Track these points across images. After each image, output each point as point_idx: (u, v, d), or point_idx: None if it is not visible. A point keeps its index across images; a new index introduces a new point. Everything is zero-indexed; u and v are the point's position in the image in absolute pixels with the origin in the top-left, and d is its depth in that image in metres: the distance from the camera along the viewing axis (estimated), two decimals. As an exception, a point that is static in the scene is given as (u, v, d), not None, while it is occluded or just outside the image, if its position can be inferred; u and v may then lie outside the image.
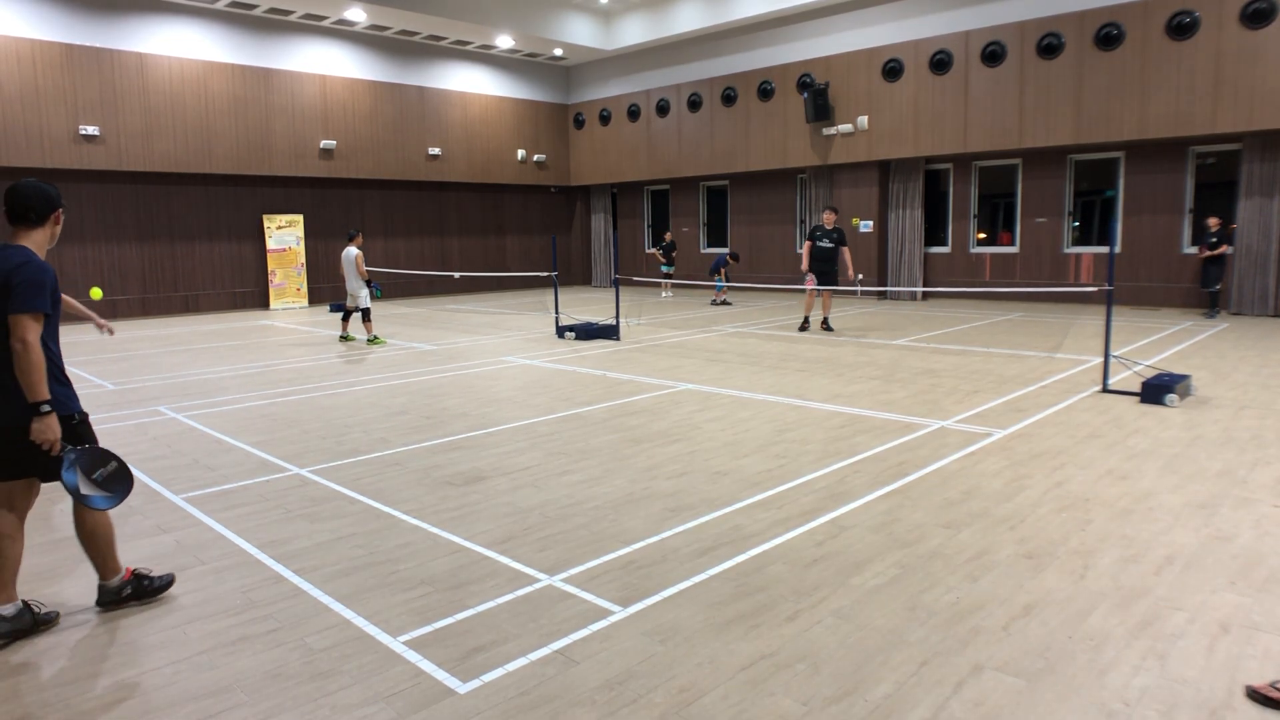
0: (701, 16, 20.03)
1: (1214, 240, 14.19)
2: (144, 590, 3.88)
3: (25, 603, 3.59)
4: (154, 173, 17.57)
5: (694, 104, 21.58)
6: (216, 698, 3.05)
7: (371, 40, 20.41)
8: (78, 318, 4.57)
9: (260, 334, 14.43)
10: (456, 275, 21.29)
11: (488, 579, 4.02)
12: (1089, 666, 3.12)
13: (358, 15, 18.62)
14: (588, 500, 5.17)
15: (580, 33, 21.51)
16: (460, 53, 22.10)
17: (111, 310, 17.33)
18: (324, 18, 18.92)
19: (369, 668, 3.23)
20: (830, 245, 13.05)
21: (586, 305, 18.59)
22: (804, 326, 13.29)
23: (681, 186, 23.46)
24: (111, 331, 5.01)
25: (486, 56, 22.74)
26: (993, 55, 16.40)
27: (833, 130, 18.87)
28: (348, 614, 3.69)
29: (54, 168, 16.11)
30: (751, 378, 9.26)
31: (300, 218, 19.65)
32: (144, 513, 5.09)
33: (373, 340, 12.74)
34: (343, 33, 19.87)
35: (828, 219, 13.15)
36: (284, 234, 19.47)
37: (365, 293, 12.71)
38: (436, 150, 21.75)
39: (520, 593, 3.86)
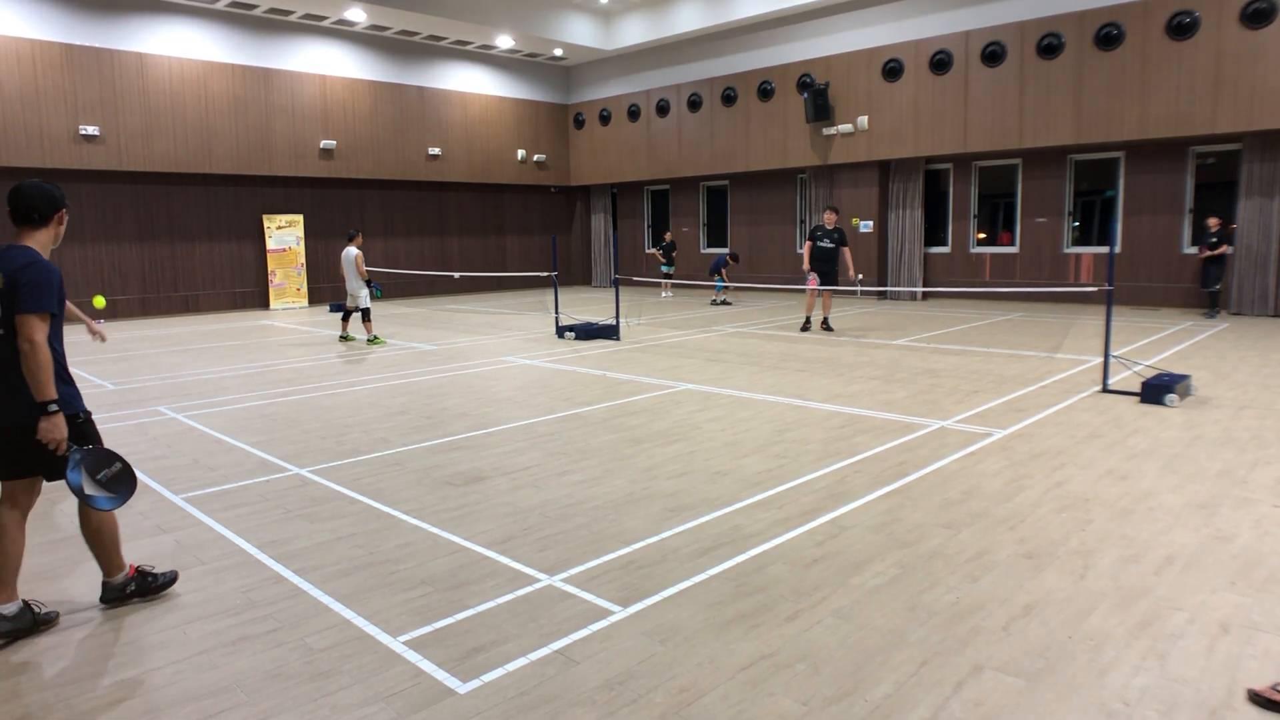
0: (701, 16, 20.03)
1: (1214, 240, 14.19)
2: (148, 587, 3.90)
3: (26, 602, 3.60)
4: (154, 173, 17.57)
5: (694, 104, 21.58)
6: (216, 698, 3.05)
7: (371, 40, 20.41)
8: (68, 319, 4.57)
9: (260, 334, 14.43)
10: (456, 275, 21.29)
11: (488, 579, 4.02)
12: (1089, 666, 3.12)
13: (358, 15, 18.62)
14: (588, 500, 5.17)
15: (580, 33, 21.51)
16: (460, 53, 22.10)
17: (111, 310, 17.33)
18: (324, 18, 18.92)
19: (369, 668, 3.23)
20: (831, 245, 13.04)
21: (586, 305, 18.59)
22: (806, 327, 13.28)
23: (681, 186, 23.46)
24: (104, 338, 5.00)
25: (486, 56, 22.74)
26: (993, 55, 16.40)
27: (833, 130, 18.87)
28: (348, 614, 3.69)
29: (54, 168, 16.11)
30: (751, 378, 9.26)
31: (300, 218, 19.65)
32: (144, 513, 5.09)
33: (373, 340, 12.74)
34: (343, 33, 19.87)
35: (828, 219, 13.14)
36: (284, 234, 19.48)
37: (365, 293, 12.71)
38: (436, 150, 21.75)
39: (520, 593, 3.86)
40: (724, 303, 18.68)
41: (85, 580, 4.13)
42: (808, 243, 13.17)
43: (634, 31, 21.63)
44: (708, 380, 9.14)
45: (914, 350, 11.11)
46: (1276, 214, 14.24)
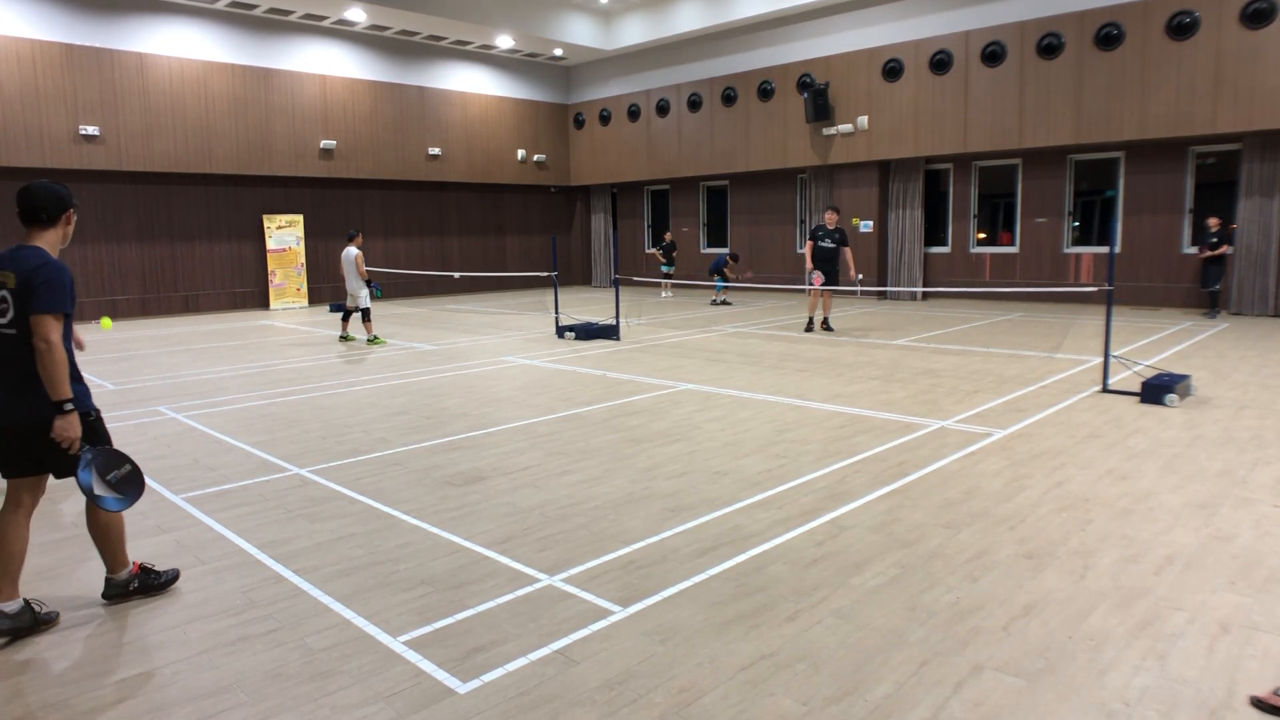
0: (701, 16, 20.03)
1: (1214, 240, 14.19)
2: (150, 585, 3.92)
3: (27, 601, 3.60)
4: (154, 173, 17.57)
5: (694, 104, 21.58)
6: (216, 698, 3.05)
7: (371, 40, 20.41)
8: None
9: (260, 334, 14.43)
10: (456, 275, 21.29)
11: (488, 579, 4.02)
12: (1089, 666, 3.12)
13: (358, 15, 18.62)
14: (588, 500, 5.17)
15: (580, 33, 21.51)
16: (460, 53, 22.10)
17: (111, 310, 17.33)
18: (324, 18, 18.92)
19: (369, 668, 3.23)
20: (832, 245, 13.04)
21: (586, 305, 18.59)
22: (810, 327, 13.27)
23: (681, 186, 23.46)
24: (81, 346, 4.99)
25: (486, 56, 22.74)
26: (993, 55, 16.40)
27: (833, 130, 18.87)
28: (348, 614, 3.69)
29: (54, 168, 16.10)
30: (751, 378, 9.26)
31: (300, 218, 19.65)
32: (144, 513, 5.09)
33: (373, 340, 12.74)
34: (343, 33, 19.87)
35: (829, 219, 13.14)
36: (284, 234, 19.47)
37: (365, 293, 12.71)
38: (436, 150, 21.75)
39: (520, 593, 3.86)
40: (724, 303, 18.69)
41: (86, 580, 4.13)
42: (809, 242, 13.17)
43: (634, 31, 21.63)
44: (708, 380, 9.14)
45: (914, 350, 11.11)
46: (1276, 214, 14.24)
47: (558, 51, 22.56)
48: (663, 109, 22.34)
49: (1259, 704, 2.85)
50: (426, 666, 3.22)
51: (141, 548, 4.51)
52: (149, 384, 9.70)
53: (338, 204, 20.61)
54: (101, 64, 16.50)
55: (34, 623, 3.57)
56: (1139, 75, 14.76)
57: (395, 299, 21.56)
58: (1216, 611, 3.54)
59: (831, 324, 13.79)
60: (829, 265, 13.07)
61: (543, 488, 5.45)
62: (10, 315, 3.48)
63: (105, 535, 3.79)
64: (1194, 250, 15.34)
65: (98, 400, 8.63)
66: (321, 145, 19.61)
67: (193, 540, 4.65)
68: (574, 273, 26.26)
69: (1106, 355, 8.15)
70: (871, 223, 18.95)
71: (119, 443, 6.71)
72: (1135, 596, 3.70)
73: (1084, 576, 3.91)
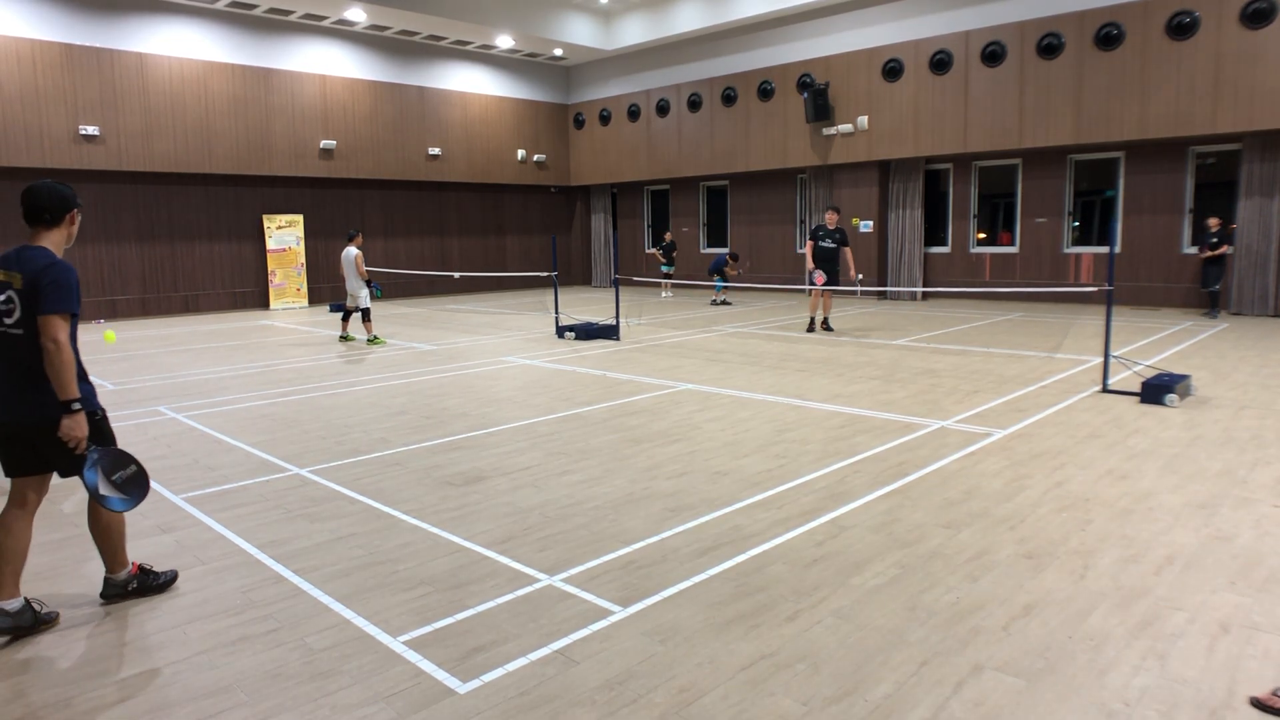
0: (701, 16, 20.03)
1: (1214, 240, 14.18)
2: (148, 586, 3.94)
3: (27, 600, 3.61)
4: (154, 173, 17.57)
5: (694, 104, 21.58)
6: (216, 698, 3.05)
7: (371, 40, 20.41)
8: None
9: (260, 334, 14.43)
10: (456, 275, 21.29)
11: (488, 579, 4.02)
12: (1089, 666, 3.12)
13: (358, 15, 18.62)
14: (588, 500, 5.17)
15: (580, 33, 21.51)
16: (460, 53, 22.10)
17: (111, 310, 17.34)
18: (324, 18, 18.92)
19: (369, 668, 3.23)
20: (832, 245, 13.03)
21: (586, 305, 18.59)
22: (811, 328, 13.27)
23: (681, 186, 23.46)
24: None
25: (486, 56, 22.74)
26: (993, 55, 16.40)
27: (833, 130, 18.87)
28: (348, 614, 3.69)
29: (54, 168, 16.10)
30: (751, 378, 9.26)
31: (300, 218, 19.65)
32: (144, 513, 5.09)
33: (373, 340, 12.74)
34: (343, 33, 19.87)
35: (830, 219, 13.13)
36: (284, 234, 19.48)
37: (365, 293, 12.71)
38: (436, 150, 21.75)
39: (520, 593, 3.86)
40: (724, 303, 18.68)
41: (86, 580, 4.13)
42: (809, 242, 13.16)
43: (634, 31, 21.63)
44: (708, 380, 9.14)
45: (914, 350, 11.11)
46: (1276, 214, 14.24)
47: (558, 51, 22.56)
48: (663, 109, 22.34)
49: (1259, 704, 2.85)
50: (426, 666, 3.22)
51: (142, 548, 4.51)
52: (149, 384, 9.70)
53: (338, 204, 20.61)
54: (101, 64, 16.50)
55: (34, 622, 3.57)
56: (1139, 75, 14.76)
57: (395, 299, 21.56)
58: (1216, 611, 3.54)
59: (831, 324, 13.79)
60: (829, 265, 13.06)
61: (543, 488, 5.45)
62: (17, 315, 3.50)
63: (106, 535, 3.80)
64: (1194, 250, 15.34)
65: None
66: (321, 145, 19.62)
67: (193, 540, 4.65)
68: (574, 273, 26.26)
69: (1106, 355, 8.15)
70: (871, 223, 18.95)
71: (119, 443, 6.72)
72: (1135, 596, 3.70)
73: (1084, 576, 3.91)
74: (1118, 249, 16.00)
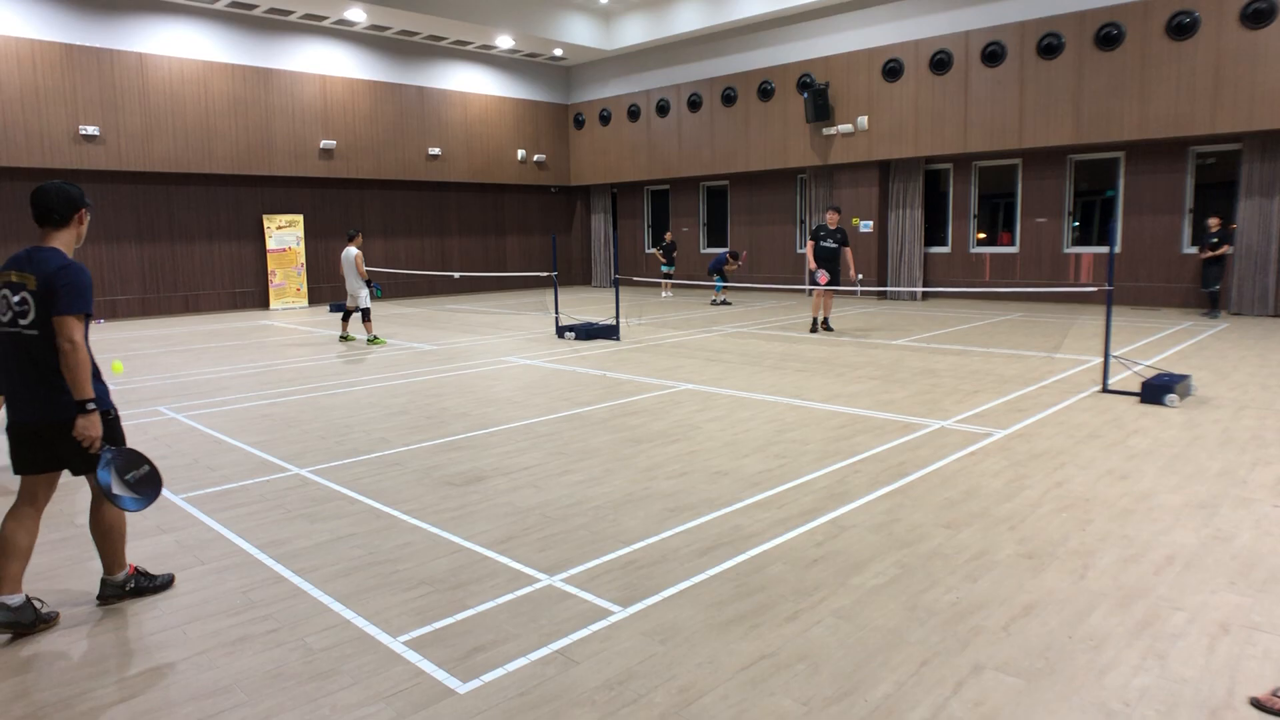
0: (701, 16, 20.03)
1: (1214, 240, 14.19)
2: (145, 588, 3.95)
3: (29, 598, 3.61)
4: (154, 173, 17.57)
5: (694, 104, 21.58)
6: (216, 698, 3.05)
7: (371, 40, 20.41)
8: None
9: (260, 334, 14.44)
10: (456, 275, 21.29)
11: (488, 579, 4.02)
12: (1089, 666, 3.12)
13: (358, 15, 18.62)
14: (588, 500, 5.17)
15: (580, 33, 21.51)
16: (460, 53, 22.10)
17: (111, 310, 17.34)
18: (324, 18, 18.92)
19: (369, 668, 3.23)
20: (833, 245, 13.03)
21: (586, 305, 18.59)
22: (814, 328, 13.26)
23: (681, 186, 23.46)
24: None
25: (486, 56, 22.74)
26: (993, 55, 16.40)
27: (833, 130, 18.87)
28: (348, 614, 3.69)
29: (54, 168, 16.11)
30: (751, 378, 9.26)
31: (300, 218, 19.65)
32: (144, 513, 5.09)
33: (373, 340, 12.74)
34: (343, 33, 19.87)
35: (830, 219, 13.13)
36: (284, 234, 19.48)
37: (365, 293, 12.72)
38: (436, 150, 21.75)
39: (520, 593, 3.86)
40: (724, 303, 18.68)
41: (86, 580, 4.13)
42: (810, 242, 13.16)
43: (634, 31, 21.63)
44: (708, 380, 9.14)
45: (914, 350, 11.11)
46: (1276, 214, 14.24)
47: (558, 51, 22.56)
48: (663, 109, 22.34)
49: (1258, 704, 2.85)
50: (426, 666, 3.22)
51: (142, 548, 4.51)
52: (149, 384, 9.70)
53: (338, 204, 20.61)
54: (101, 64, 16.50)
55: (35, 620, 3.57)
56: (1139, 75, 14.76)
57: (395, 299, 21.56)
58: (1216, 611, 3.54)
59: (832, 324, 13.79)
60: (830, 265, 13.06)
61: (543, 488, 5.45)
62: (32, 317, 3.53)
63: (108, 536, 3.81)
64: (1194, 250, 15.34)
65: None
66: (321, 145, 19.62)
67: (193, 540, 4.65)
68: (574, 273, 26.26)
69: (1106, 355, 8.15)
70: (871, 223, 18.95)
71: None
72: (1135, 596, 3.70)
73: (1084, 576, 3.91)
74: (1118, 249, 16.01)
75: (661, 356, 10.93)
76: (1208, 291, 14.47)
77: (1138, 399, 7.66)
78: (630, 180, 23.81)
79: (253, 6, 17.84)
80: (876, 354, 10.83)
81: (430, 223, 22.47)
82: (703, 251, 23.07)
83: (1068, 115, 15.62)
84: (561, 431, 6.95)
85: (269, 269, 19.34)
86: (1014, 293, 17.59)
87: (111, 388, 9.37)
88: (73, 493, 5.51)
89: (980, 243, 18.39)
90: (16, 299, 3.53)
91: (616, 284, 13.36)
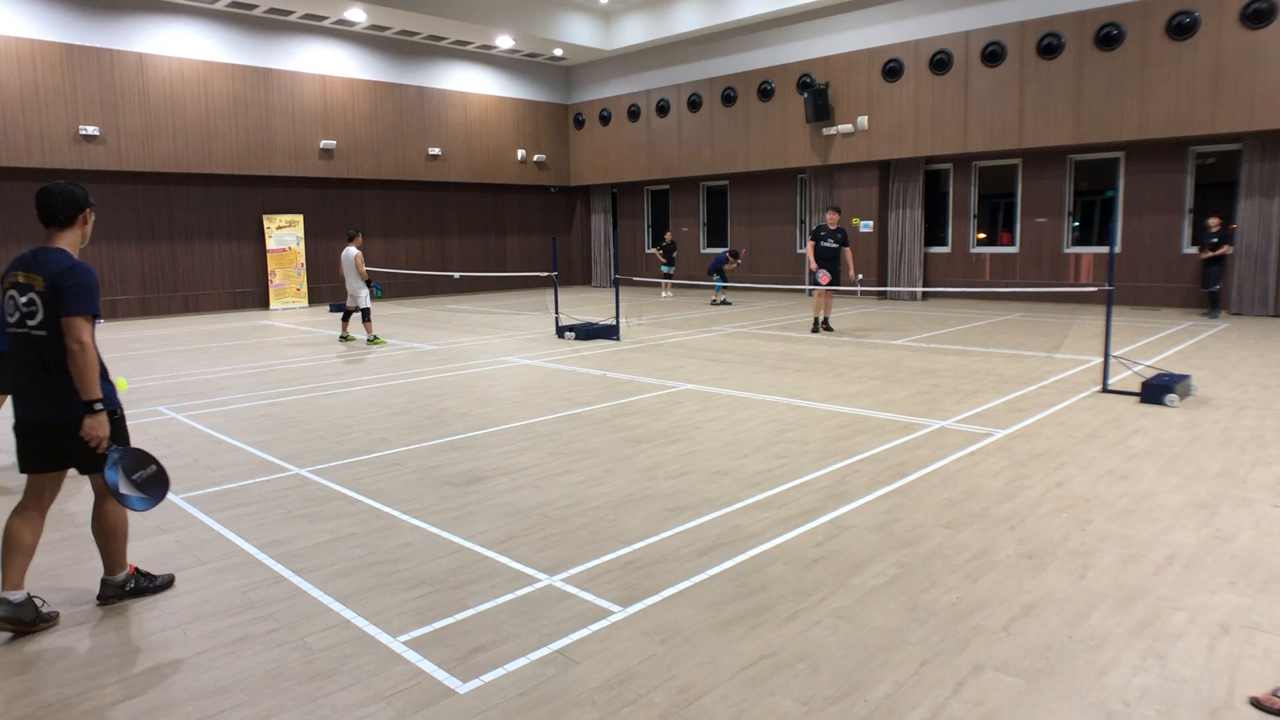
0: (701, 16, 20.03)
1: (1214, 240, 14.19)
2: (145, 588, 3.95)
3: (30, 595, 3.62)
4: (154, 173, 17.57)
5: (694, 104, 21.58)
6: (217, 698, 3.05)
7: (371, 40, 20.41)
8: None
9: (260, 334, 14.44)
10: (456, 275, 21.30)
11: (488, 579, 4.02)
12: (1089, 666, 3.12)
13: (358, 15, 18.62)
14: (588, 500, 5.17)
15: (580, 33, 21.51)
16: (460, 53, 22.10)
17: (111, 310, 17.34)
18: (324, 18, 18.92)
19: (369, 668, 3.23)
20: (834, 245, 13.04)
21: (586, 305, 18.59)
22: (815, 328, 13.26)
23: (681, 186, 23.46)
24: None
25: (486, 56, 22.74)
26: (993, 55, 16.40)
27: (833, 130, 18.87)
28: (348, 614, 3.69)
29: (54, 168, 16.11)
30: (751, 378, 9.26)
31: (300, 218, 19.65)
32: (144, 513, 5.08)
33: (373, 340, 12.74)
34: (343, 33, 19.87)
35: (831, 219, 13.13)
36: (284, 234, 19.48)
37: (365, 293, 12.71)
38: (436, 150, 21.75)
39: (520, 593, 3.86)
40: (724, 303, 18.68)
41: (86, 580, 4.13)
42: (810, 242, 13.16)
43: (634, 31, 21.63)
44: (708, 380, 9.14)
45: (914, 350, 11.11)
46: (1276, 214, 14.24)
47: (558, 51, 22.56)
48: (663, 109, 22.34)
49: (1258, 704, 2.85)
50: (426, 666, 3.22)
51: (142, 548, 4.52)
52: (149, 384, 9.70)
53: (338, 204, 20.61)
54: (101, 64, 16.50)
55: (35, 618, 3.58)
56: (1139, 75, 14.76)
57: (395, 299, 21.56)
58: (1216, 611, 3.54)
59: (832, 324, 13.79)
60: (830, 265, 13.06)
61: (543, 488, 5.45)
62: (40, 317, 3.55)
63: (111, 536, 3.82)
64: (1194, 250, 15.34)
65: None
66: (321, 145, 19.62)
67: (193, 540, 4.65)
68: (574, 273, 26.26)
69: (1106, 355, 8.15)
70: (871, 223, 18.95)
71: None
72: (1135, 596, 3.70)
73: (1084, 576, 3.91)
74: (1118, 249, 16.01)
75: (661, 356, 10.93)
76: (1208, 291, 14.47)
77: (1138, 399, 7.66)
78: (630, 180, 23.81)
79: (253, 6, 17.84)
80: (876, 354, 10.83)
81: (430, 223, 22.47)
82: (702, 251, 23.07)
83: (1068, 115, 15.62)
84: (561, 431, 6.95)
85: (269, 269, 19.34)
86: (1014, 293, 17.60)
87: (111, 388, 9.43)
88: (74, 491, 5.51)
89: (980, 243, 18.39)
90: (24, 300, 3.55)
91: (616, 284, 13.36)
